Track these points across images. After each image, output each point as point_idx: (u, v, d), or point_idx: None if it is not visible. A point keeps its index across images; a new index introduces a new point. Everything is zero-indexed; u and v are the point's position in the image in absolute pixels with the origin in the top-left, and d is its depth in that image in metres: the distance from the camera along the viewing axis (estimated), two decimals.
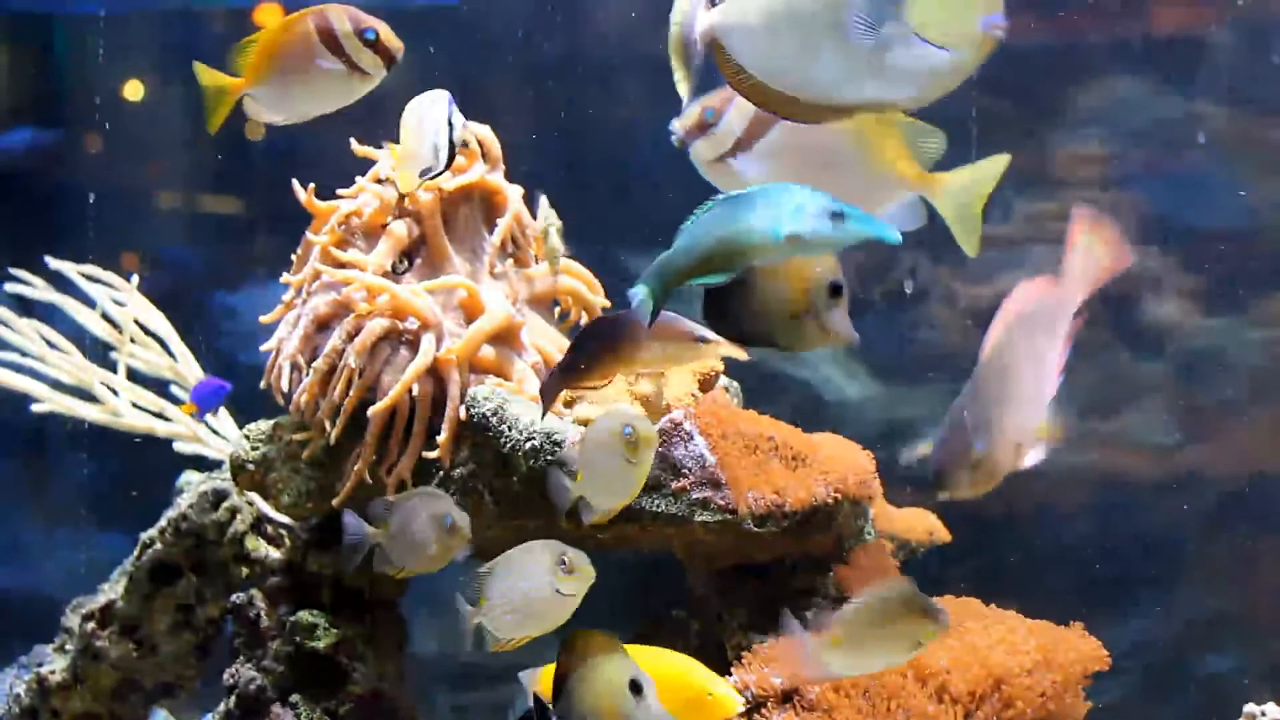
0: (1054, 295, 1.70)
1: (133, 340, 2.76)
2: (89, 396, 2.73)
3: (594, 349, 1.86)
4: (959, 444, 1.63)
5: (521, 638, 1.85)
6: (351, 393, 2.15)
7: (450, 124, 2.01)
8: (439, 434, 2.13)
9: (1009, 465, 1.65)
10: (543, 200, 2.23)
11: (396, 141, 2.30)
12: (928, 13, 1.48)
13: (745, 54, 1.64)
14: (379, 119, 2.26)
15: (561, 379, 1.89)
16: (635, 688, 1.67)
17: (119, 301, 2.78)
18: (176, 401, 2.77)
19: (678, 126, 1.84)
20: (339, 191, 2.30)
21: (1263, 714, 2.05)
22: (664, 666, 1.84)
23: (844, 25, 1.51)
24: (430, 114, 2.02)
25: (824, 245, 1.57)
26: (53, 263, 2.82)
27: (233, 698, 2.30)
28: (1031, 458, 1.66)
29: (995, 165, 1.76)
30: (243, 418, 2.52)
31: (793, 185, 1.58)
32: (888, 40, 1.49)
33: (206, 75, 1.94)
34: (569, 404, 2.13)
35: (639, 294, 1.63)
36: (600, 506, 1.81)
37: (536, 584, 1.80)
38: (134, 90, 3.47)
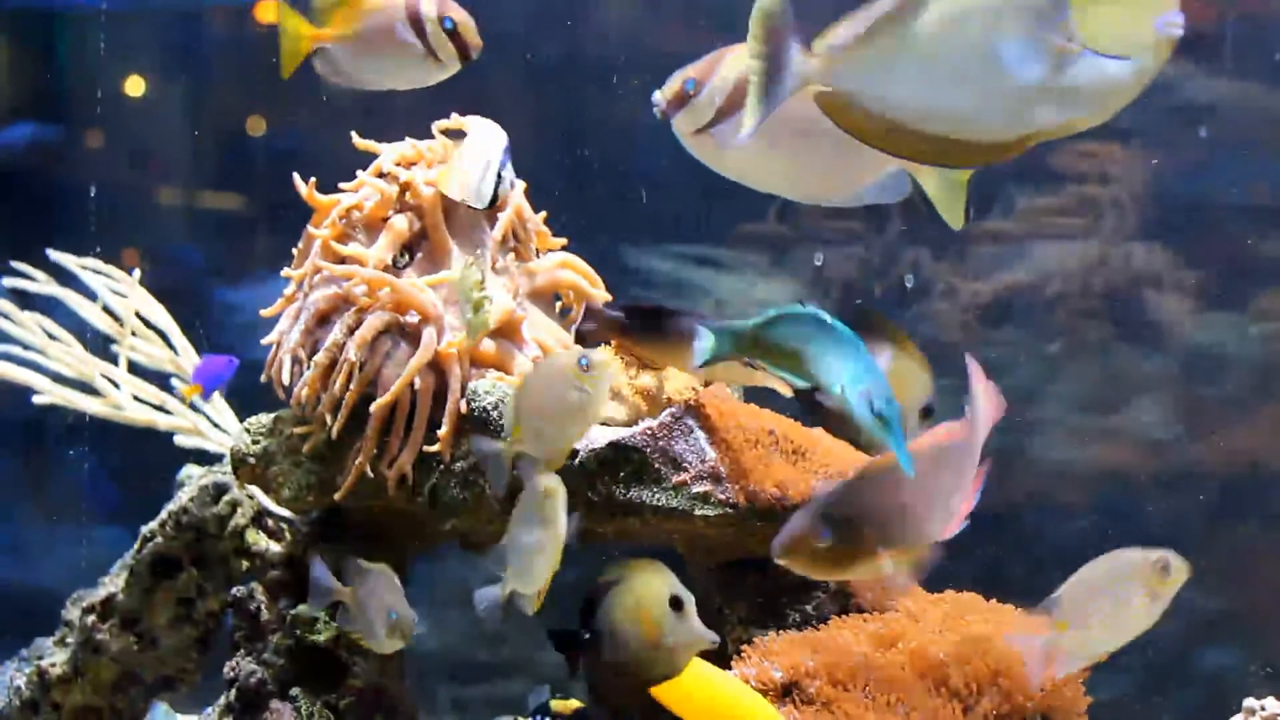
0: (964, 437, 1.70)
1: (134, 333, 2.76)
2: (90, 390, 2.73)
3: (653, 327, 1.85)
4: (807, 529, 1.64)
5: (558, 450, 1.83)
6: (352, 386, 2.15)
7: (500, 174, 1.98)
8: (440, 427, 2.13)
9: (856, 570, 1.65)
10: (461, 262, 2.22)
11: (401, 139, 2.31)
12: (1098, 23, 1.37)
13: (878, 100, 1.51)
14: (379, 114, 2.26)
15: (610, 328, 1.88)
16: (676, 603, 1.67)
17: (120, 294, 2.78)
18: (177, 395, 2.77)
19: (659, 98, 1.83)
20: (340, 185, 2.30)
21: (1262, 708, 2.05)
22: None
23: (1006, 53, 1.40)
24: (489, 150, 1.98)
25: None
26: (54, 255, 2.82)
27: (233, 691, 2.30)
28: (885, 568, 1.66)
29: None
30: (244, 411, 2.52)
31: (881, 357, 1.58)
32: (1059, 61, 1.39)
33: (289, 17, 1.95)
34: None
35: (705, 339, 1.60)
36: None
37: (561, 391, 1.80)
38: (135, 86, 3.47)
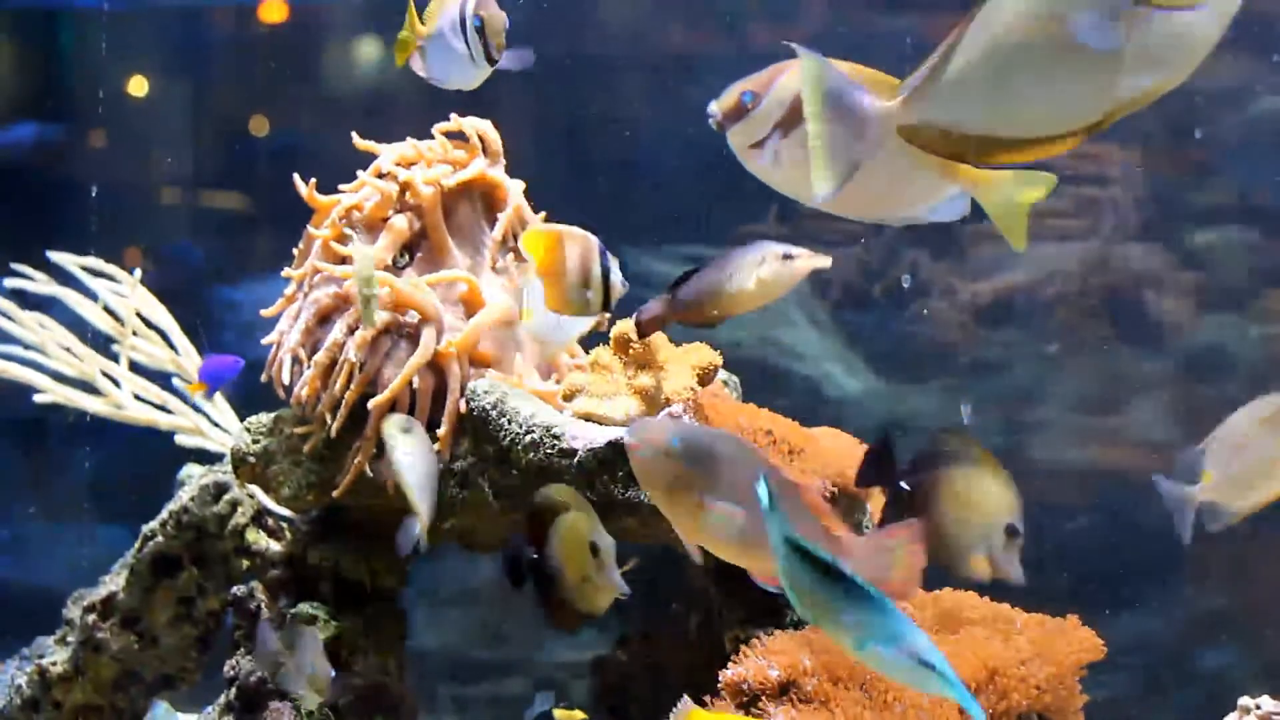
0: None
1: (134, 333, 2.76)
2: (91, 389, 2.74)
3: (699, 284, 1.85)
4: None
5: None
6: (352, 386, 2.16)
7: (606, 272, 1.93)
8: (439, 427, 2.13)
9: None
10: (357, 248, 2.22)
11: (402, 139, 2.31)
12: None
13: (964, 117, 1.48)
14: (378, 115, 2.27)
15: (669, 309, 1.89)
16: (594, 549, 1.69)
17: (120, 294, 2.79)
18: (178, 394, 2.77)
19: (715, 109, 1.80)
20: (340, 186, 2.31)
21: (1257, 707, 2.05)
22: None
23: (1079, 31, 1.36)
24: (586, 257, 1.94)
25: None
26: (54, 256, 2.83)
27: (233, 690, 2.30)
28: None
29: (1044, 180, 1.74)
30: (244, 411, 2.53)
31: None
32: (1132, 25, 1.34)
33: (409, 17, 1.98)
34: (568, 397, 2.14)
35: (764, 494, 1.54)
36: None
37: None
38: (138, 86, 3.48)
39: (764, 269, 1.80)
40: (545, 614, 1.81)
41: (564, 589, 1.73)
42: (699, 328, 1.92)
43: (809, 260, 1.81)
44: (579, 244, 1.89)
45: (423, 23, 1.97)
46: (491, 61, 1.96)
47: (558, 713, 2.16)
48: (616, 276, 1.88)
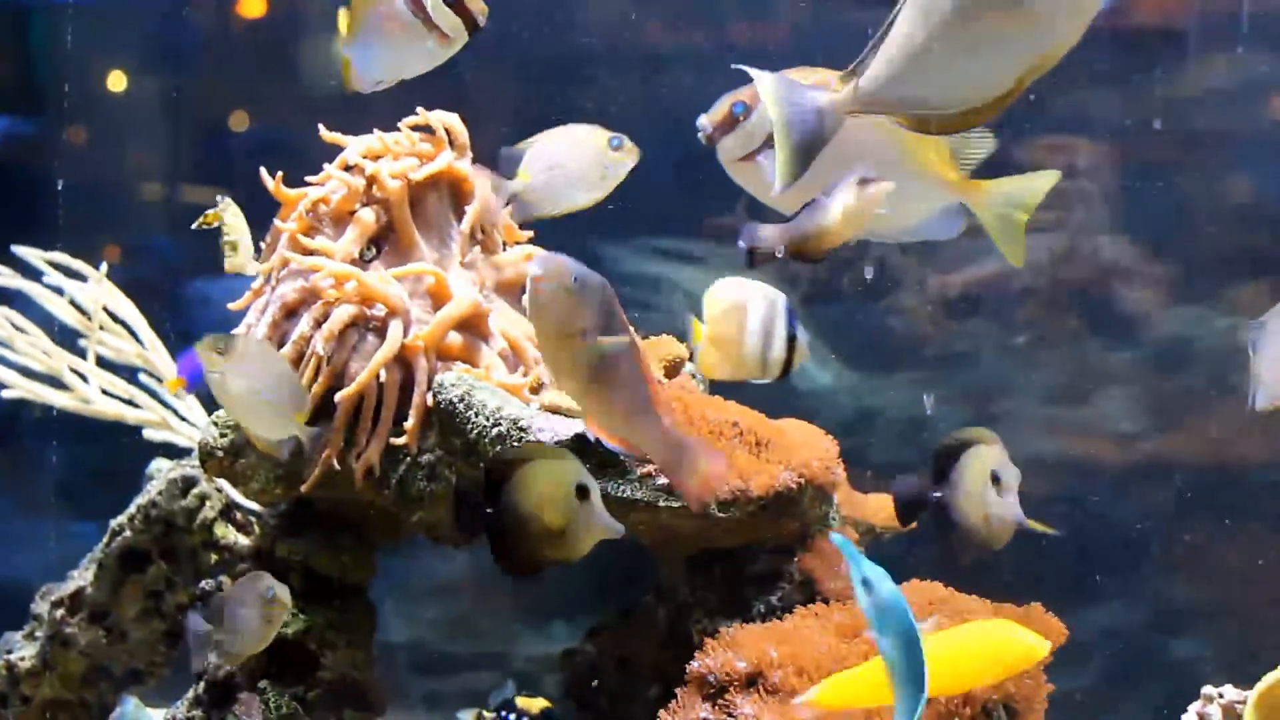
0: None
1: (101, 328, 2.76)
2: (58, 383, 2.73)
3: (804, 219, 1.81)
4: None
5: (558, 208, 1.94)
6: (319, 379, 2.15)
7: (792, 335, 1.87)
8: (406, 420, 2.13)
9: None
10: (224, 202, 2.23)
11: (370, 130, 2.31)
12: None
13: (904, 97, 1.51)
14: (356, 109, 2.26)
15: (781, 238, 1.84)
16: (582, 491, 1.69)
17: (85, 289, 2.77)
18: (145, 389, 2.77)
19: (705, 122, 1.80)
20: (307, 179, 2.31)
21: (1220, 695, 2.06)
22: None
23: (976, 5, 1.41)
24: (767, 316, 1.89)
25: None
26: (19, 251, 2.81)
27: (202, 684, 2.30)
28: None
29: (1045, 180, 1.75)
30: (212, 404, 2.52)
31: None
32: None
33: (338, 34, 1.94)
34: (535, 390, 2.14)
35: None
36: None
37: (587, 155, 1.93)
38: (111, 81, 3.46)
39: (848, 198, 1.77)
40: (504, 561, 1.80)
41: (533, 540, 1.70)
42: (804, 260, 1.87)
43: (881, 186, 1.77)
44: (764, 306, 1.84)
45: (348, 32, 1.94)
46: (474, 31, 1.92)
47: (520, 700, 2.17)
48: (803, 338, 1.83)
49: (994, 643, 1.72)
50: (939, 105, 1.48)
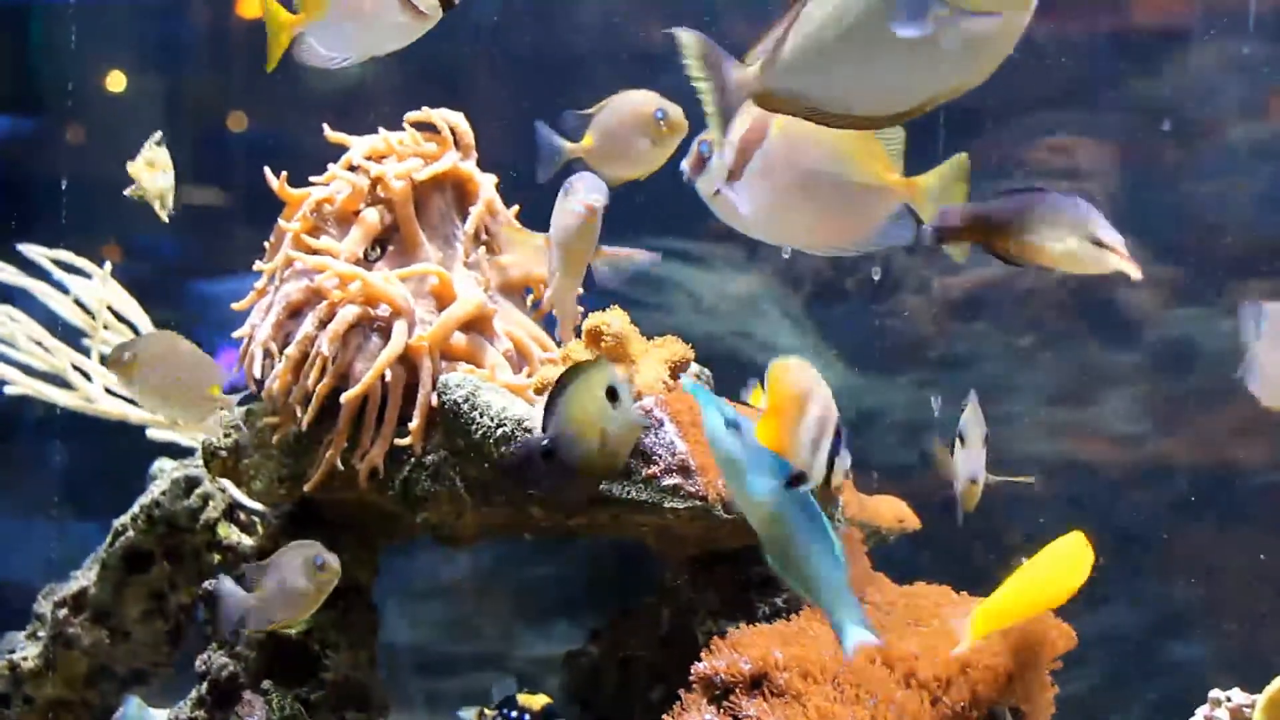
0: None
1: (105, 326, 2.75)
2: (62, 382, 2.73)
3: (1014, 212, 1.78)
4: None
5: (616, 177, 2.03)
6: (324, 379, 2.15)
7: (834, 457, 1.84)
8: (411, 421, 2.13)
9: None
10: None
11: (375, 130, 2.30)
12: None
13: (804, 89, 1.54)
14: (358, 108, 2.26)
15: (974, 223, 1.81)
16: (612, 394, 1.68)
17: (90, 287, 2.77)
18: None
19: (685, 166, 1.84)
20: (311, 179, 2.30)
21: (1227, 699, 2.06)
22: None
23: (893, 26, 1.43)
24: (818, 427, 1.85)
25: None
26: (25, 249, 2.81)
27: (205, 684, 2.30)
28: None
29: (960, 164, 1.77)
30: None
31: None
32: (938, 26, 1.41)
33: (271, 7, 1.89)
34: (540, 391, 2.13)
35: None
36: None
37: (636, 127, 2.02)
38: (111, 80, 3.46)
39: (1074, 242, 1.74)
40: (558, 496, 1.80)
41: (582, 457, 1.70)
42: (996, 257, 1.84)
43: (1119, 262, 1.74)
44: (822, 410, 1.82)
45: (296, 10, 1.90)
46: (449, 6, 1.88)
47: (522, 697, 2.17)
48: (845, 464, 1.81)
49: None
50: (838, 109, 1.53)
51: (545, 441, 1.68)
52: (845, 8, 1.46)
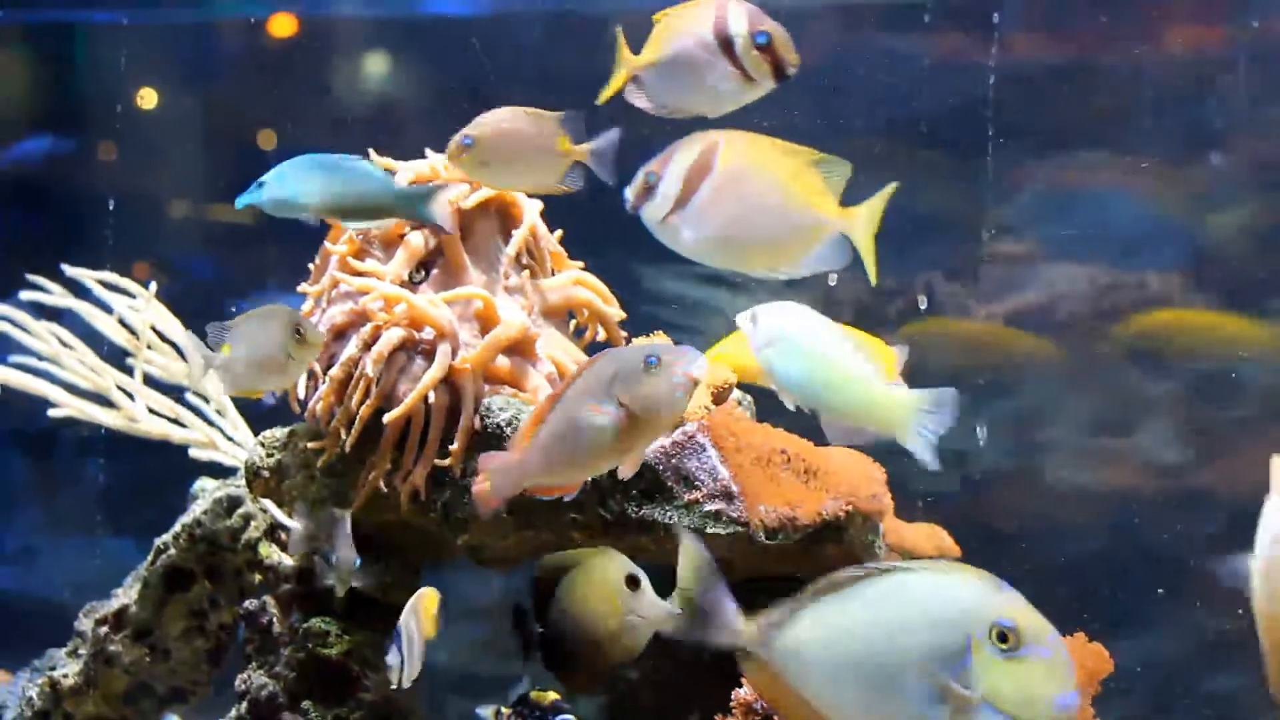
0: None
1: (149, 347, 2.77)
2: (105, 402, 2.75)
3: None
4: None
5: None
6: (368, 401, 2.16)
7: None
8: (453, 443, 2.14)
9: None
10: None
11: (412, 151, 2.32)
12: (999, 681, 1.38)
13: (799, 688, 1.52)
14: (388, 127, 2.27)
15: None
16: (633, 582, 1.68)
17: (135, 307, 2.79)
18: (191, 408, 2.78)
19: (629, 194, 1.90)
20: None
21: None
22: None
23: (909, 692, 1.42)
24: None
25: None
26: (69, 270, 2.83)
27: (244, 704, 2.31)
28: None
29: (889, 194, 1.84)
30: (258, 425, 2.53)
31: None
32: (958, 707, 1.39)
33: (620, 46, 1.92)
34: None
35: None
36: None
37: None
38: (152, 99, 3.49)
39: None
40: (565, 678, 1.79)
41: (589, 643, 1.70)
42: None
43: None
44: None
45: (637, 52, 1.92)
46: (780, 79, 1.88)
47: (533, 694, 2.20)
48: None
49: None
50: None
51: (541, 629, 1.71)
52: (860, 650, 1.45)
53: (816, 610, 1.50)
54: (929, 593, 1.44)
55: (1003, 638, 1.38)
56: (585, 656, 1.69)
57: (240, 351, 2.03)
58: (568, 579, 1.69)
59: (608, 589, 1.67)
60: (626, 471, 1.85)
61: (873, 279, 1.86)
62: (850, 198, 1.87)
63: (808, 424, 2.20)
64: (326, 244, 2.30)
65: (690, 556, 1.54)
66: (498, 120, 2.07)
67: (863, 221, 1.85)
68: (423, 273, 2.28)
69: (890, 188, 1.83)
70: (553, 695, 2.26)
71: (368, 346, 2.18)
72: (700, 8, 1.89)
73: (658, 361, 1.67)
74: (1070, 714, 1.36)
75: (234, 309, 3.16)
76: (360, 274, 2.23)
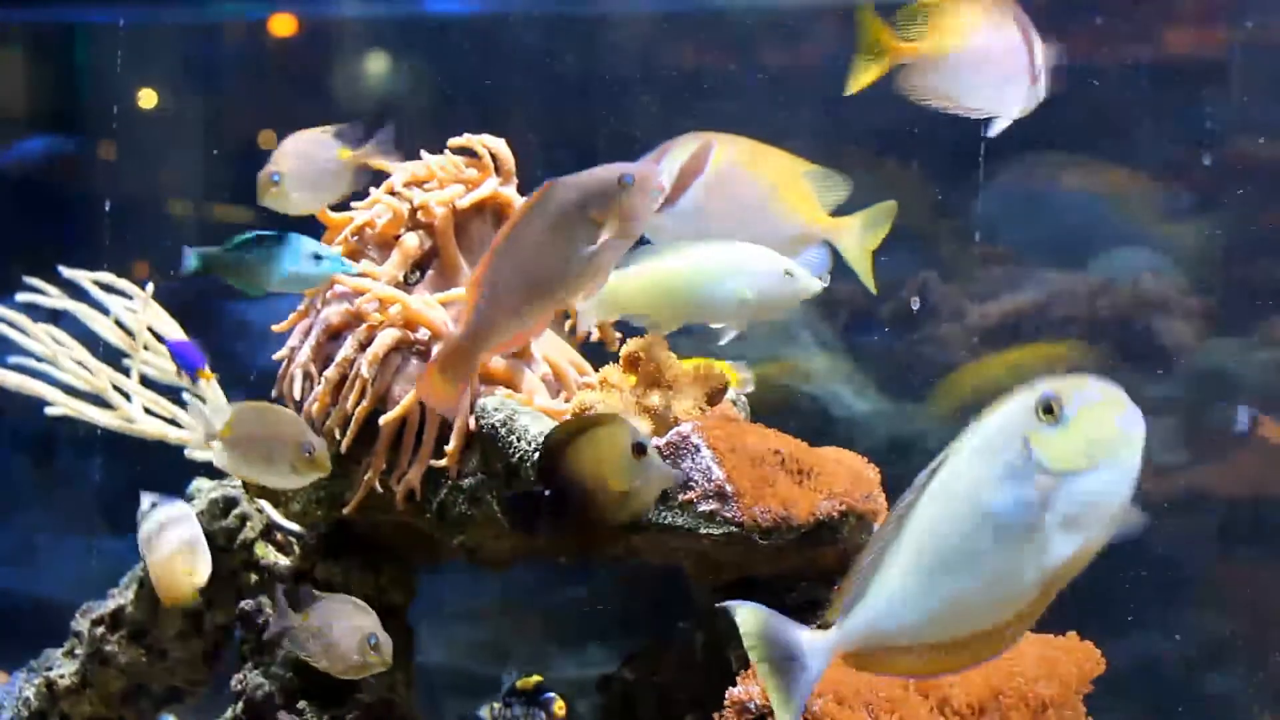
0: None
1: (146, 347, 2.77)
2: (102, 402, 2.75)
3: None
4: None
5: None
6: (363, 402, 2.17)
7: None
8: (448, 444, 2.14)
9: None
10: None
11: (412, 154, 2.32)
12: (1064, 444, 1.31)
13: (902, 641, 1.43)
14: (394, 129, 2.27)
15: None
16: (639, 449, 1.70)
17: (132, 308, 2.79)
18: (189, 408, 2.78)
19: None
20: (353, 203, 2.32)
21: None
22: None
23: (999, 516, 1.33)
24: None
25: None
26: (66, 272, 2.83)
27: (240, 704, 2.31)
28: None
29: (886, 210, 1.84)
30: None
31: None
32: (1045, 499, 1.32)
33: (871, 25, 1.77)
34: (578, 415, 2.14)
35: None
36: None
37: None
38: (151, 99, 3.49)
39: None
40: (570, 539, 1.80)
41: (597, 507, 1.73)
42: None
43: None
44: None
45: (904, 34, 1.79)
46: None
47: (519, 683, 2.24)
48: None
49: None
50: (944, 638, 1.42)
51: (548, 492, 1.72)
52: (939, 520, 1.38)
53: (885, 568, 1.42)
54: (971, 461, 1.36)
55: (1048, 409, 1.32)
56: (593, 517, 1.72)
57: (244, 450, 2.06)
58: (578, 442, 1.72)
59: (618, 452, 1.69)
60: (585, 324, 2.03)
61: (871, 288, 1.84)
62: (849, 204, 1.87)
63: (804, 425, 2.21)
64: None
65: (743, 623, 1.53)
66: (295, 147, 2.09)
67: (852, 233, 1.85)
68: (417, 274, 2.29)
69: (887, 205, 1.82)
70: (536, 678, 2.30)
71: (363, 347, 2.18)
72: (992, 4, 1.81)
73: (634, 179, 1.68)
74: (1138, 428, 1.31)
75: (234, 309, 3.19)
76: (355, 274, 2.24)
